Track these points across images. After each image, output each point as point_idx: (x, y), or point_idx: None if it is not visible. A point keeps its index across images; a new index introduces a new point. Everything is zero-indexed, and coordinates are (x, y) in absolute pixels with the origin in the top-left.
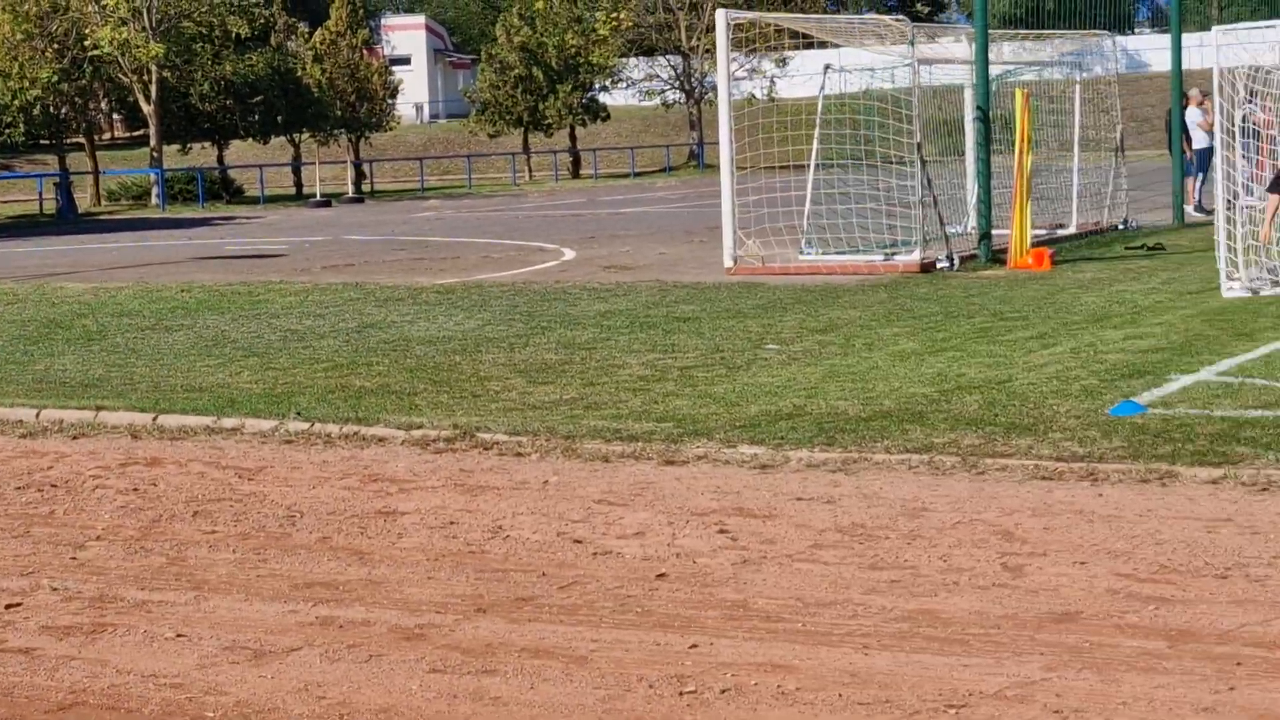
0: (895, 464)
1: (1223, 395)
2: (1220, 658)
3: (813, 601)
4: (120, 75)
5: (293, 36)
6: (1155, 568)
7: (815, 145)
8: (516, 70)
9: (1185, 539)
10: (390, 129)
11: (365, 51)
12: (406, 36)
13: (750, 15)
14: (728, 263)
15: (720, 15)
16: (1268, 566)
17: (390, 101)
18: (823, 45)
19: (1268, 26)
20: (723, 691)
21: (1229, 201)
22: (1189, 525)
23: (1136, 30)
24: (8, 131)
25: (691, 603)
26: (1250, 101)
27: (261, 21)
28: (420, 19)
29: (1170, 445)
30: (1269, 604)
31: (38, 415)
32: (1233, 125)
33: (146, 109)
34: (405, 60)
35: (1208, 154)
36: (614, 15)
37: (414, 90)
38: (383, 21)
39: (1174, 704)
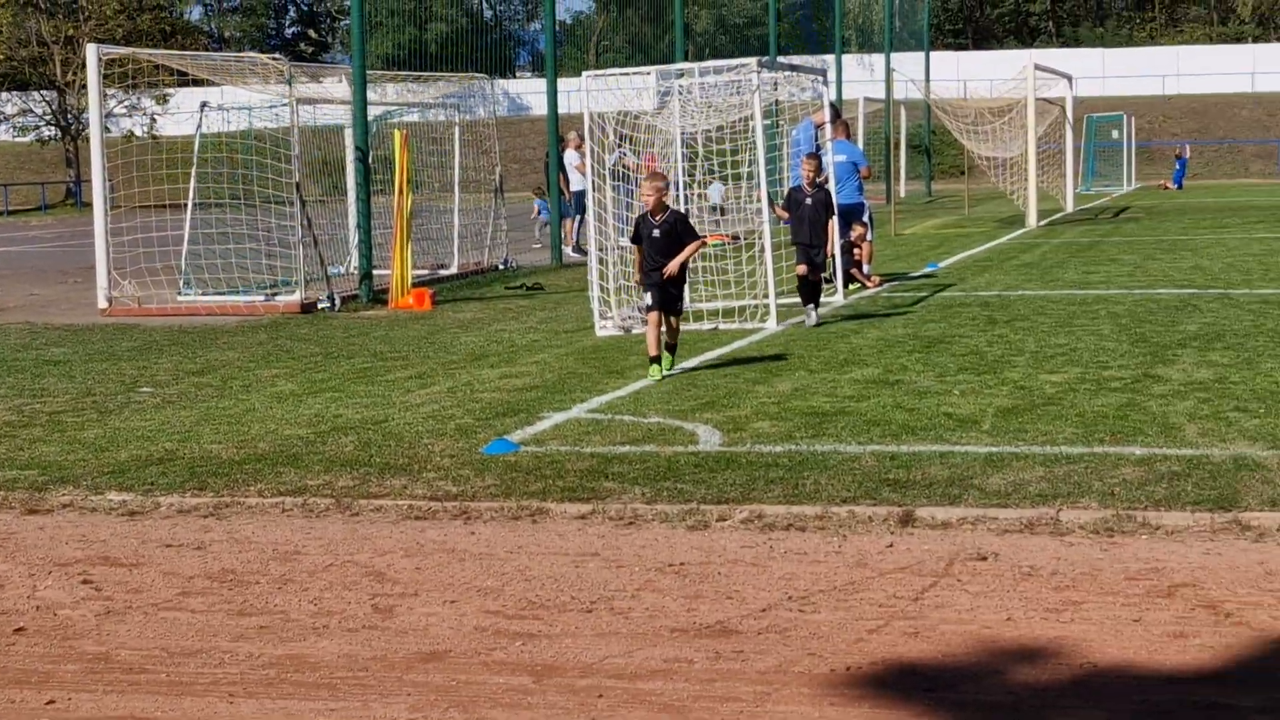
0: (268, 507)
1: (593, 432)
2: (583, 690)
3: (178, 651)
4: None
5: None
6: (524, 604)
7: (193, 184)
8: None
9: (554, 574)
10: None
11: None
12: None
13: (124, 50)
14: (102, 304)
15: (91, 50)
16: (631, 599)
17: None
18: (202, 83)
19: (637, 73)
20: None
21: (601, 242)
22: (558, 560)
23: (518, 74)
24: None
25: (50, 657)
26: (621, 145)
27: None
28: None
29: (542, 482)
30: (630, 635)
31: None
32: (604, 168)
33: None
34: None
35: (584, 196)
36: None
37: None
38: None
39: None
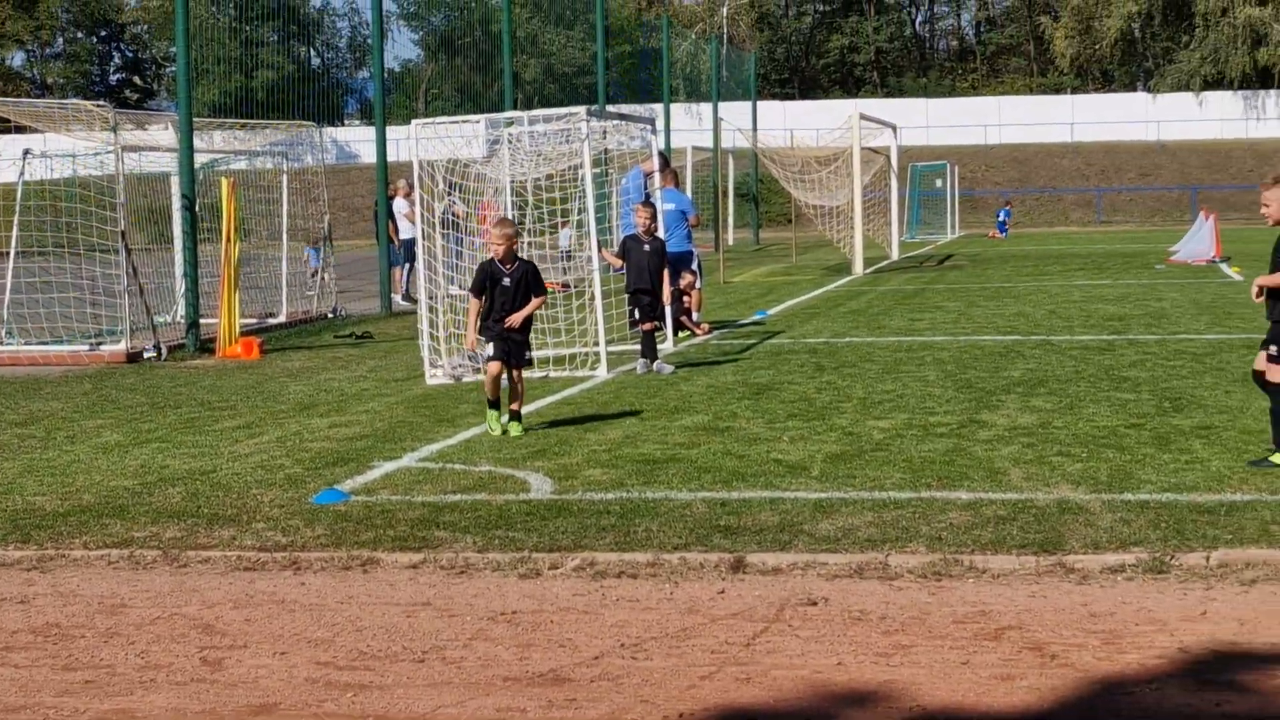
0: (94, 560)
1: (424, 481)
2: None
3: (1, 708)
4: None
5: None
6: (355, 654)
7: (15, 232)
8: None
9: (385, 624)
10: None
11: None
12: None
13: None
14: None
15: None
16: (464, 648)
17: None
18: (25, 130)
19: (466, 121)
20: None
21: (432, 290)
22: (389, 610)
23: (347, 122)
24: None
25: None
26: (450, 194)
27: None
28: None
29: (373, 531)
30: (463, 685)
31: None
32: (433, 216)
33: None
34: None
35: (414, 244)
36: None
37: None
38: None
39: None
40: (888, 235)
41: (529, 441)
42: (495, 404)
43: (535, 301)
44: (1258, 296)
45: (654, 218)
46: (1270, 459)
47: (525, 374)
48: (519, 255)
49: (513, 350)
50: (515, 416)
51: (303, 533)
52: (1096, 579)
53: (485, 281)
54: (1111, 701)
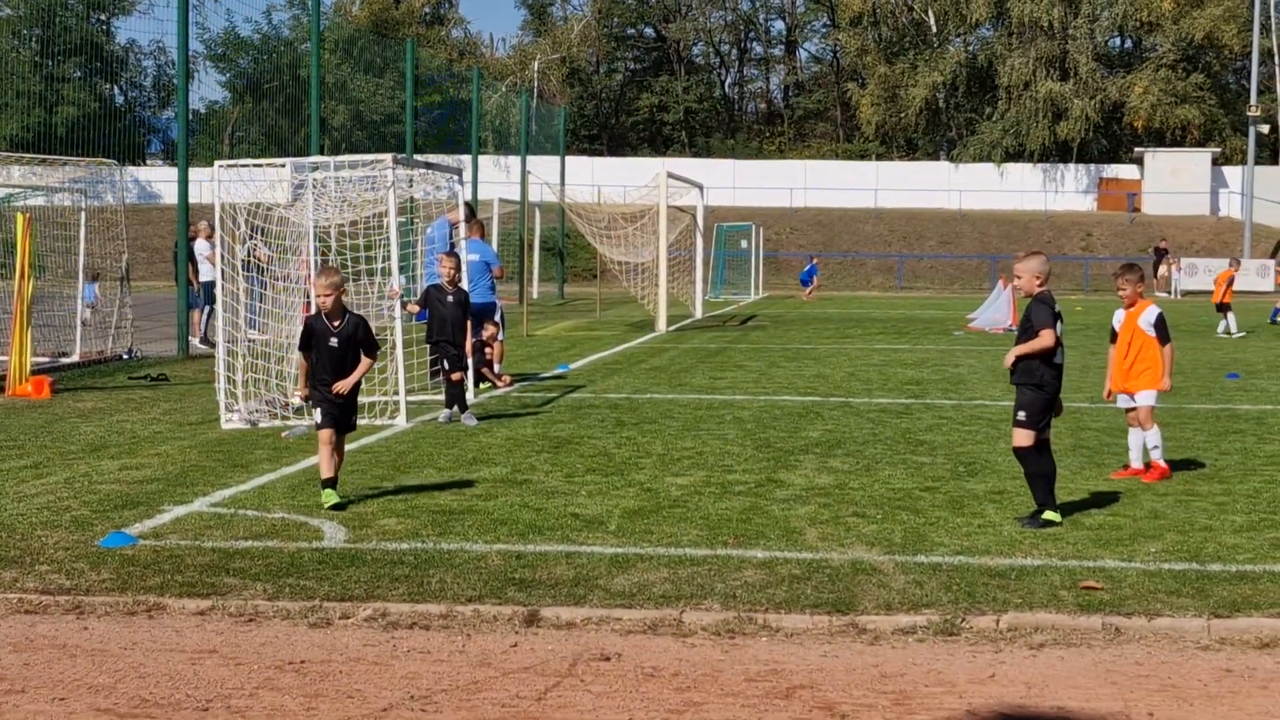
0: None
1: (215, 526)
2: None
3: None
4: None
5: None
6: (137, 701)
7: None
8: None
9: (169, 671)
10: None
11: None
12: None
13: None
14: None
15: None
16: (249, 698)
17: None
18: None
19: (270, 164)
20: None
21: (230, 334)
22: (174, 657)
23: (150, 161)
24: None
25: None
26: (253, 237)
27: None
28: None
29: (160, 576)
30: None
31: None
32: (235, 259)
33: None
34: None
35: (214, 286)
36: None
37: None
38: None
39: None
40: (691, 294)
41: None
42: (331, 483)
43: (364, 365)
44: (1010, 365)
45: (458, 268)
46: (1043, 515)
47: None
48: (348, 309)
49: (340, 417)
50: (328, 485)
51: (88, 576)
52: (888, 640)
53: (310, 339)
54: None
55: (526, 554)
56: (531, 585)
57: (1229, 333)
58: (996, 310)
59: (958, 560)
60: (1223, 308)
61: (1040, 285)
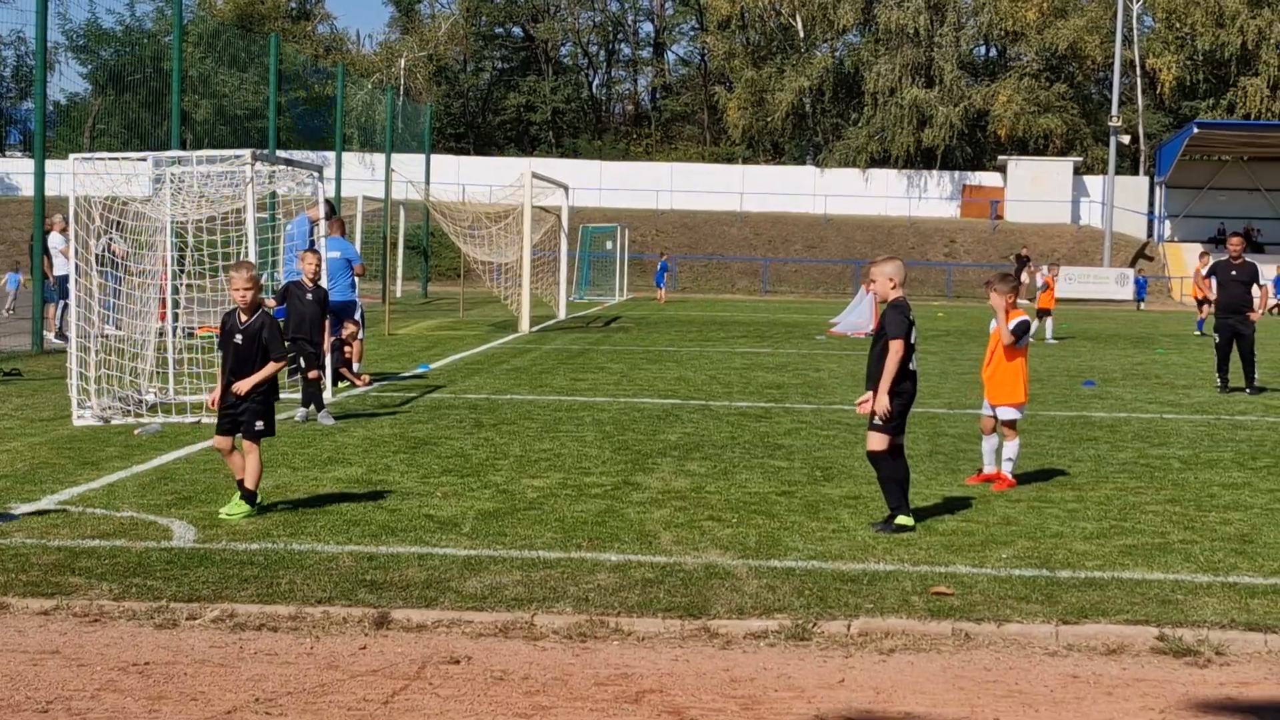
0: None
1: (62, 524)
2: None
3: None
4: None
5: None
6: None
7: None
8: None
9: (9, 672)
10: None
11: None
12: None
13: None
14: None
15: None
16: (91, 699)
17: None
18: None
19: (127, 158)
20: None
21: (84, 329)
22: (15, 658)
23: (8, 153)
24: None
25: None
26: (109, 232)
27: None
28: None
29: (3, 576)
30: None
31: None
32: (90, 254)
33: None
34: None
35: (68, 280)
36: None
37: None
38: None
39: None
40: (555, 294)
41: (174, 487)
42: (248, 495)
43: (269, 368)
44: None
45: (319, 265)
46: (897, 520)
47: (174, 419)
48: (262, 305)
49: (241, 421)
50: (245, 496)
51: None
52: (740, 644)
53: (221, 336)
54: None
55: (379, 555)
56: (383, 587)
57: (1041, 337)
58: (859, 315)
59: (811, 565)
60: (1043, 313)
61: (895, 290)
